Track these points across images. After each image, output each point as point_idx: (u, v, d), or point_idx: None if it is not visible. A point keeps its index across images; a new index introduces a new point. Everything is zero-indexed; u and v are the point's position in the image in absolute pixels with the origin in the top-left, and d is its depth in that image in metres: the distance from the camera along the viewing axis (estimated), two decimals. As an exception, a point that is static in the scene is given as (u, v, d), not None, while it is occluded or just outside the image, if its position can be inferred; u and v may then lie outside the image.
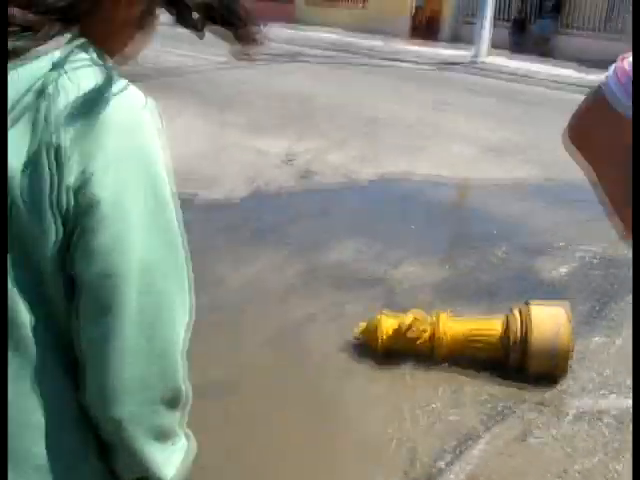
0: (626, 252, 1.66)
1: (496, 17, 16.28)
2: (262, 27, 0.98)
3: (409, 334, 3.43)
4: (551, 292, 4.36)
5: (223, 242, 5.13)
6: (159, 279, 0.92)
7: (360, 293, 4.32)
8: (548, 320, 3.37)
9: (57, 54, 0.88)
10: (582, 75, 12.76)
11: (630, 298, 3.31)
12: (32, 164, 0.85)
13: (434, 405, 3.26)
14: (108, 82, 0.89)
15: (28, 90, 0.84)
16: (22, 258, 0.88)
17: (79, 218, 0.86)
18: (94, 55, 0.91)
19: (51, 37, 0.87)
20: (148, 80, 11.35)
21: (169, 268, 0.94)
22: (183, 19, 0.94)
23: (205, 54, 14.35)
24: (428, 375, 3.46)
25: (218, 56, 14.01)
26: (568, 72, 13.85)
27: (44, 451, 0.93)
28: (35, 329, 0.90)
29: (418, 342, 3.46)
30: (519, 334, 3.38)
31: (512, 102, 10.90)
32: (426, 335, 3.46)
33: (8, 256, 0.87)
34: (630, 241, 1.52)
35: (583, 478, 2.86)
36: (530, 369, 3.41)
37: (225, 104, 9.76)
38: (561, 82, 12.90)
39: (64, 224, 0.87)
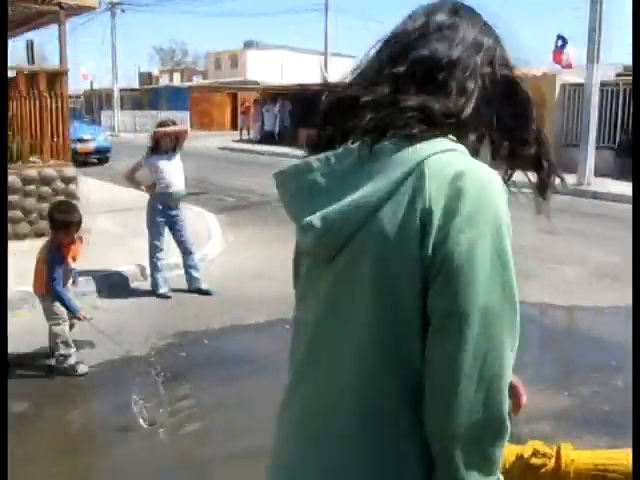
0: None
1: (598, 142, 16.21)
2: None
3: (533, 461, 3.19)
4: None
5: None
6: (495, 323, 1.10)
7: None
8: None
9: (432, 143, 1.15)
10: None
11: None
12: (406, 225, 1.10)
13: None
14: (464, 160, 1.15)
15: (410, 172, 1.12)
16: (389, 301, 1.13)
17: (437, 268, 1.09)
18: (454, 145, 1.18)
19: (435, 136, 1.16)
20: (254, 207, 11.91)
21: (504, 316, 1.11)
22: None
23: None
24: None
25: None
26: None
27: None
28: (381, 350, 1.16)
29: (542, 470, 3.20)
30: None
31: (621, 227, 10.61)
32: (550, 464, 3.20)
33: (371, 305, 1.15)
34: None
35: None
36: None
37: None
38: (673, 205, 12.51)
39: (424, 273, 1.10)
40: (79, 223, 4.86)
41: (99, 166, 18.86)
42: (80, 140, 18.15)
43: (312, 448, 1.24)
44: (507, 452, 3.22)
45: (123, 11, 37.22)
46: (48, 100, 8.66)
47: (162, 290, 6.68)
